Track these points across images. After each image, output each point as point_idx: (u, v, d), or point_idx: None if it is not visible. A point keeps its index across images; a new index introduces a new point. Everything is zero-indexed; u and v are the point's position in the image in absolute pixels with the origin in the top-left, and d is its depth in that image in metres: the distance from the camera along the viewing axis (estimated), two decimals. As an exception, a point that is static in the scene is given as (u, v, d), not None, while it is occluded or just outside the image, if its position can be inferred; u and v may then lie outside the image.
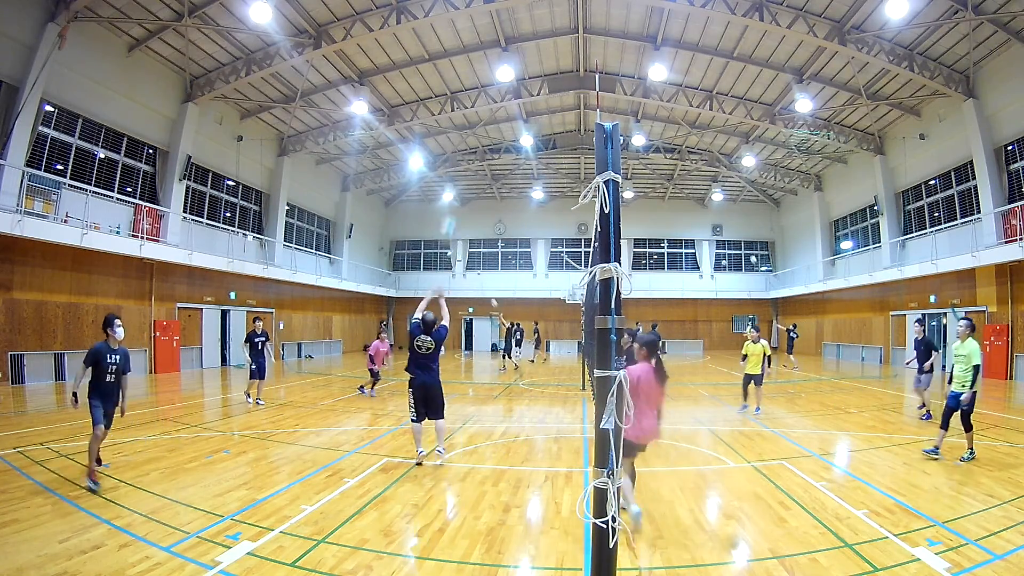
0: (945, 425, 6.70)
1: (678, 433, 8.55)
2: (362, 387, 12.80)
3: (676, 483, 5.84)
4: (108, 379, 5.53)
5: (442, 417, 6.58)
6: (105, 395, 5.54)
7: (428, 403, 6.50)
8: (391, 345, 13.97)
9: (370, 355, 12.83)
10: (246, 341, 11.09)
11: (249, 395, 11.06)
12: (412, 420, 6.47)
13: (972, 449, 6.58)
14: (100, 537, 4.13)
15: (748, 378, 9.96)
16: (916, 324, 10.24)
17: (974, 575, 3.64)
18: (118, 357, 5.61)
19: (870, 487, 5.57)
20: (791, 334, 21.05)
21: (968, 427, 6.55)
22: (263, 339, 11.08)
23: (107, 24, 14.97)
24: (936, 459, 6.58)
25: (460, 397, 12.11)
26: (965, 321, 6.79)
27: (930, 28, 15.50)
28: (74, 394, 5.48)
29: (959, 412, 6.56)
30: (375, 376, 12.71)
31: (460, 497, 5.38)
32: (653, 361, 4.55)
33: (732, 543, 4.27)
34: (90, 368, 5.51)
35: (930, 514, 4.72)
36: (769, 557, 3.96)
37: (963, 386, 6.52)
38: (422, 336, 6.53)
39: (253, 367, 10.85)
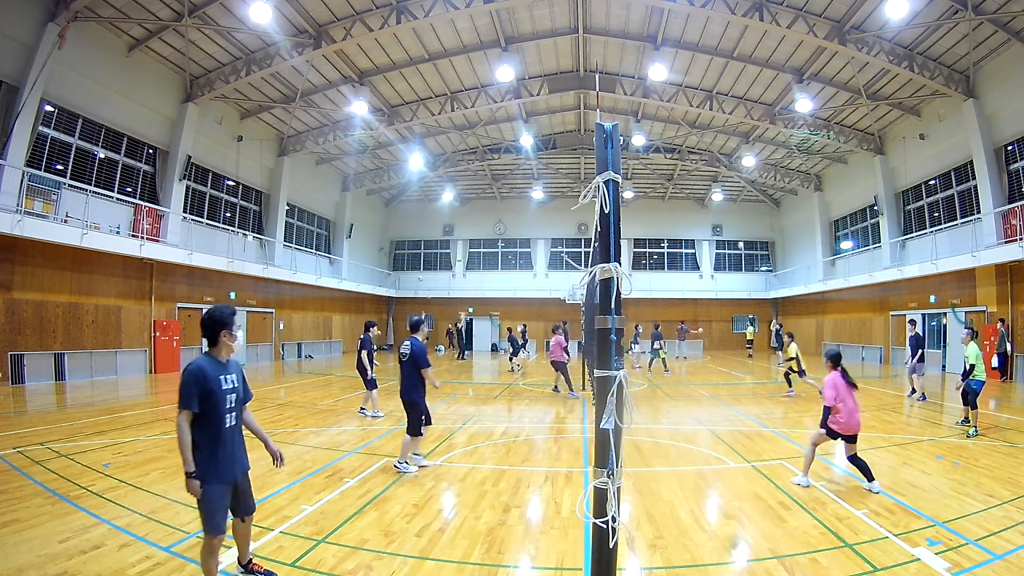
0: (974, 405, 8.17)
1: (678, 433, 8.56)
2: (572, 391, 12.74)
3: (676, 483, 5.84)
4: (228, 423, 3.17)
5: (409, 433, 6.20)
6: (224, 453, 3.14)
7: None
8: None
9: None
10: (363, 348, 9.92)
11: (365, 409, 9.94)
12: None
13: (976, 427, 8.08)
14: (100, 537, 4.14)
15: (790, 370, 12.71)
16: (910, 324, 12.60)
17: (974, 575, 3.64)
18: (235, 379, 3.29)
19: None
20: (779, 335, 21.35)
21: (974, 405, 8.12)
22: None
23: (107, 24, 14.97)
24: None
25: (461, 397, 12.12)
26: (967, 330, 8.62)
27: (930, 28, 15.50)
28: (192, 476, 3.03)
29: (971, 392, 8.15)
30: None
31: (460, 497, 5.38)
32: (839, 370, 5.64)
33: (732, 543, 4.27)
34: (192, 411, 3.07)
35: (930, 514, 4.72)
36: (769, 557, 3.96)
37: (974, 375, 8.20)
38: (404, 341, 6.36)
39: (372, 376, 9.84)
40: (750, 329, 28.31)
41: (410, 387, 6.20)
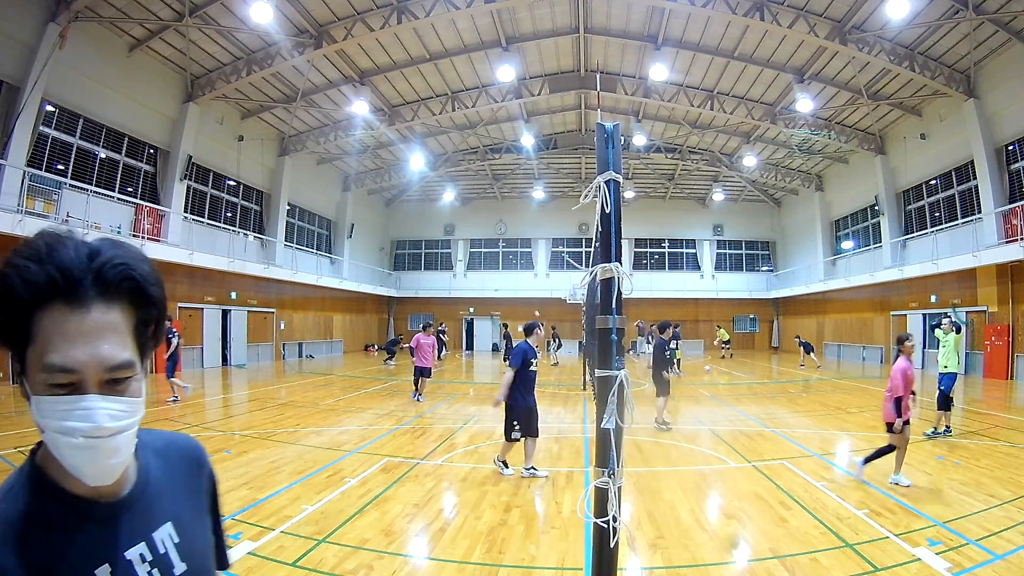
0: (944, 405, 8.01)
1: (679, 433, 8.56)
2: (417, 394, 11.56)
3: (677, 483, 5.84)
4: None
5: (504, 438, 6.20)
6: None
7: None
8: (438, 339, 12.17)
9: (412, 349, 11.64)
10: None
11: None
12: None
13: (948, 426, 8.00)
14: (101, 537, 4.13)
15: None
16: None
17: (974, 575, 3.64)
18: (162, 545, 0.84)
19: (871, 487, 5.57)
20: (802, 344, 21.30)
21: (944, 406, 7.94)
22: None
23: (108, 24, 14.96)
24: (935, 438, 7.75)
25: (461, 397, 12.12)
26: (948, 319, 8.74)
27: (931, 28, 15.48)
28: None
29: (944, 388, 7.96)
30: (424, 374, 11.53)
31: (461, 497, 5.39)
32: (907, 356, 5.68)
33: (733, 543, 4.27)
34: None
35: (931, 514, 4.72)
36: (770, 557, 3.96)
37: (947, 369, 8.05)
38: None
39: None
40: (721, 331, 27.49)
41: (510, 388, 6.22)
